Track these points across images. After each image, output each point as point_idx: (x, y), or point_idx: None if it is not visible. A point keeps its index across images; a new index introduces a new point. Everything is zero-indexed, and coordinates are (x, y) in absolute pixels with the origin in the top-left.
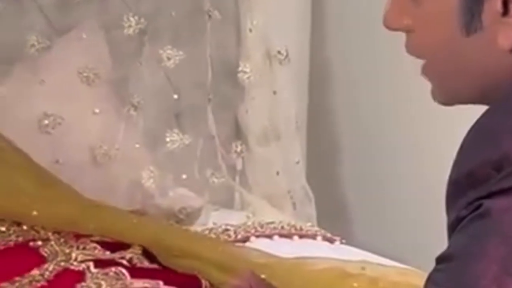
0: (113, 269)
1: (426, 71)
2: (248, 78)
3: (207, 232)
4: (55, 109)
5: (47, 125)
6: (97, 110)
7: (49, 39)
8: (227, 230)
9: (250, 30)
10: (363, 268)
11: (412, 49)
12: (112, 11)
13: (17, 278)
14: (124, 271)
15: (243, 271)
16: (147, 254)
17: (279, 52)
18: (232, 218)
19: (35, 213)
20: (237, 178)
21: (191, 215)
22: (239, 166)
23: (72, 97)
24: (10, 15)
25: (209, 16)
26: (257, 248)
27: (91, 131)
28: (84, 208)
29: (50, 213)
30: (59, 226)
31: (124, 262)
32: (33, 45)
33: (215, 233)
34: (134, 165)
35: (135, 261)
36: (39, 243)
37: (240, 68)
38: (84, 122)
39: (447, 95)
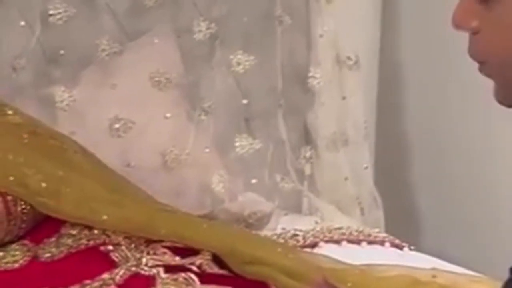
0: (182, 274)
1: (488, 72)
2: (318, 83)
3: (275, 237)
4: (126, 113)
5: (118, 129)
6: (168, 115)
7: (121, 44)
8: (295, 235)
9: (321, 36)
10: (433, 276)
11: (476, 52)
12: (184, 16)
13: (87, 282)
14: (193, 277)
15: (317, 278)
16: (217, 260)
17: (348, 58)
18: (301, 223)
19: (105, 217)
20: (306, 183)
21: (261, 220)
22: (307, 171)
23: (144, 101)
24: (83, 19)
25: (280, 21)
26: (327, 255)
27: (162, 135)
28: (155, 213)
29: (121, 218)
30: (129, 230)
31: (194, 268)
32: (104, 50)
33: (283, 238)
34: (204, 170)
35: (204, 267)
36: (110, 247)
37: (310, 74)
38: (155, 126)
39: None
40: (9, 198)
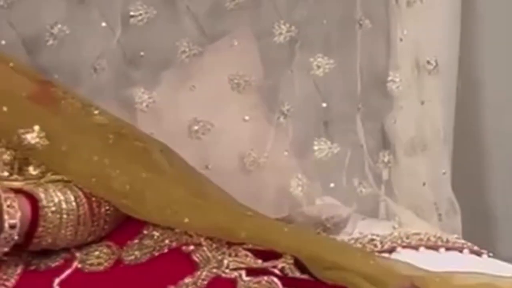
0: (265, 278)
1: None
2: (397, 87)
3: (352, 241)
4: (205, 115)
5: (197, 131)
6: (247, 117)
7: (201, 46)
8: (373, 240)
9: (401, 40)
10: None
11: None
12: (264, 19)
13: (170, 287)
14: (276, 280)
15: (403, 284)
16: (299, 264)
17: (428, 62)
18: (378, 228)
19: (187, 220)
20: (383, 188)
21: (338, 224)
22: (385, 176)
23: (223, 103)
24: (163, 21)
25: (360, 25)
26: (406, 261)
27: (241, 138)
28: (237, 216)
29: (202, 221)
30: (210, 233)
31: (276, 271)
32: (184, 51)
33: (361, 243)
34: (283, 173)
35: (286, 271)
36: (191, 247)
37: (389, 78)
38: (234, 129)
39: None
40: (93, 199)
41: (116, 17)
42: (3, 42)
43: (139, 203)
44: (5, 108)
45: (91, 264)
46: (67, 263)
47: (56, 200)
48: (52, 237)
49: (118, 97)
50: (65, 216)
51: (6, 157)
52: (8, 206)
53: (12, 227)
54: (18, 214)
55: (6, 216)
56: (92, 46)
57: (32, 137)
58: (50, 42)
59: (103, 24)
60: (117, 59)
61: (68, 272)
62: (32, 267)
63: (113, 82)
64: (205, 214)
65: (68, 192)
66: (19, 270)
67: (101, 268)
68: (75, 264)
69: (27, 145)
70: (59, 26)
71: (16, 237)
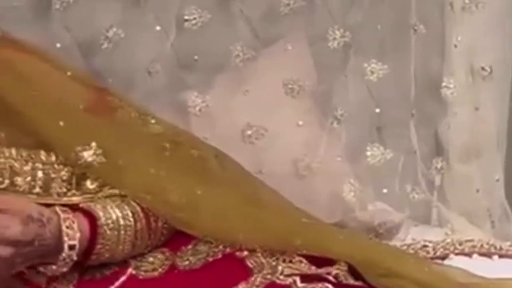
0: (319, 285)
1: None
2: (451, 93)
3: (405, 247)
4: (258, 120)
5: (250, 136)
6: (300, 122)
7: (255, 50)
8: (425, 246)
9: (455, 46)
10: None
11: None
12: (318, 24)
13: None
14: (330, 287)
15: None
16: (353, 271)
17: (482, 68)
18: (430, 234)
19: (241, 236)
20: (435, 194)
21: (391, 230)
22: (438, 182)
23: (276, 108)
24: (217, 25)
25: (415, 30)
26: (461, 268)
27: (294, 143)
28: (292, 223)
29: (257, 234)
30: (265, 246)
31: (330, 277)
32: (238, 56)
33: (413, 249)
34: (335, 178)
35: (340, 277)
36: (245, 253)
37: (443, 84)
38: (288, 134)
39: None
40: (151, 213)
41: (171, 20)
42: (58, 45)
43: (194, 216)
44: (61, 123)
45: (145, 271)
46: (122, 270)
47: (114, 217)
48: (110, 253)
49: (171, 101)
50: (122, 232)
51: (64, 173)
52: (67, 227)
53: (71, 248)
54: (77, 235)
55: (65, 238)
56: (146, 50)
57: (89, 154)
58: (105, 45)
59: (158, 27)
60: (171, 63)
61: (123, 279)
62: (88, 277)
63: (167, 86)
64: (261, 225)
65: (126, 207)
66: (74, 280)
67: (156, 274)
68: (130, 270)
69: (84, 163)
70: (114, 29)
71: (75, 258)
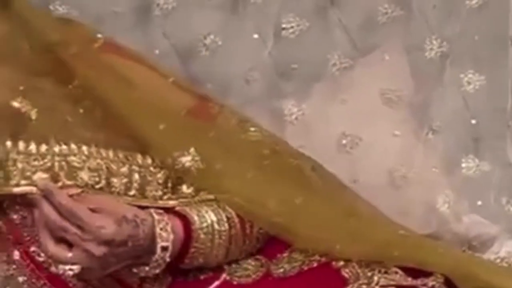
0: None
1: None
2: None
3: (498, 260)
4: (354, 129)
5: (345, 145)
6: (397, 132)
7: (352, 59)
8: None
9: None
10: None
11: None
12: (415, 34)
13: None
14: None
15: None
16: (448, 282)
17: None
18: None
19: (338, 246)
20: None
21: (485, 243)
22: None
23: (372, 118)
24: (315, 34)
25: None
26: None
27: (390, 153)
28: (390, 235)
29: (354, 245)
30: (361, 257)
31: None
32: (335, 64)
33: (507, 262)
34: (430, 189)
35: None
36: (341, 263)
37: None
38: (383, 144)
39: None
40: (246, 219)
41: (269, 29)
42: (156, 51)
43: (292, 223)
44: (161, 126)
45: (239, 276)
46: (216, 274)
47: (208, 221)
48: (203, 257)
49: (268, 109)
50: (217, 237)
51: (160, 176)
52: (161, 229)
53: (164, 249)
54: (171, 237)
55: (158, 240)
56: (244, 58)
57: (187, 160)
58: (203, 52)
59: (255, 35)
60: (269, 71)
61: (216, 283)
62: (180, 278)
63: (264, 94)
64: (358, 237)
65: (221, 212)
66: (167, 282)
67: (250, 280)
68: (224, 276)
69: (181, 168)
70: (212, 36)
71: (168, 259)
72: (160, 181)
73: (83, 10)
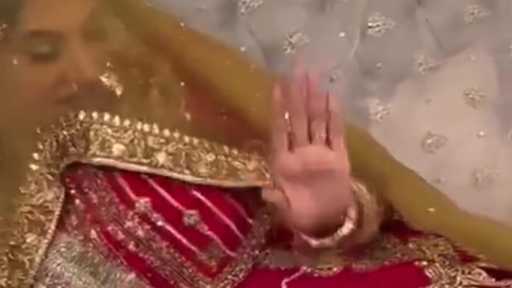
0: None
1: None
2: None
3: None
4: (439, 129)
5: (430, 144)
6: (481, 133)
7: (438, 59)
8: None
9: None
10: None
11: None
12: (501, 34)
13: None
14: None
15: None
16: None
17: None
18: None
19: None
20: None
21: None
22: None
23: (457, 118)
24: (401, 33)
25: None
26: None
27: (474, 153)
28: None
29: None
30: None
31: None
32: (421, 64)
33: None
34: None
35: None
36: (424, 263)
37: None
38: (468, 144)
39: None
40: None
41: (355, 27)
42: (242, 48)
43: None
44: (258, 95)
45: (320, 269)
46: (297, 266)
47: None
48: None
49: (352, 108)
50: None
51: (252, 165)
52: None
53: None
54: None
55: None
56: (330, 56)
57: None
58: (288, 50)
59: (342, 34)
60: (354, 70)
61: (297, 274)
62: (261, 267)
63: (349, 93)
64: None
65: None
66: (246, 268)
67: (331, 273)
68: (304, 268)
69: None
70: (299, 34)
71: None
72: (250, 168)
73: (168, 6)
